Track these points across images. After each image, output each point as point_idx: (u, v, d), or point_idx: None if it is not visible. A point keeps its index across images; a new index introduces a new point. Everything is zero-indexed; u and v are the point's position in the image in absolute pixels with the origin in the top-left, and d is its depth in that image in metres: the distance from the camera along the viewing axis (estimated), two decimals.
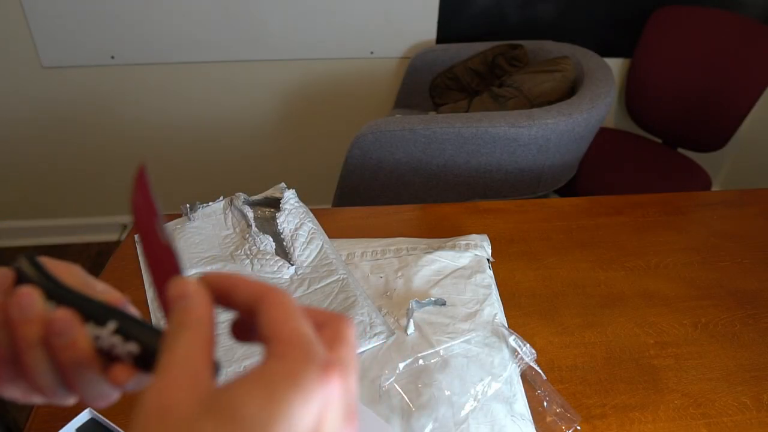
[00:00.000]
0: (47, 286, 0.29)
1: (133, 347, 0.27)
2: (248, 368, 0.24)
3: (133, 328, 0.27)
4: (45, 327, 0.27)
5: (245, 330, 0.28)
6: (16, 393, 0.30)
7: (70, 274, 0.31)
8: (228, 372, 0.66)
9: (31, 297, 0.28)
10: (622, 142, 1.96)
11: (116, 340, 0.27)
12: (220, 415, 0.21)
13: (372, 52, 1.88)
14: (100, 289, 0.31)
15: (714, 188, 2.12)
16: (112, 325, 0.27)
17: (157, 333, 0.27)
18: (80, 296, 0.29)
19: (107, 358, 0.28)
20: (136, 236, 0.88)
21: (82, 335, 0.27)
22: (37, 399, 0.30)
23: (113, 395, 0.29)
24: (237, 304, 0.27)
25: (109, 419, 0.60)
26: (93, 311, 0.28)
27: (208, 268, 0.80)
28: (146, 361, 0.27)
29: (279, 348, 0.24)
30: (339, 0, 1.75)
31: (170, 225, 0.89)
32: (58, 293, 0.29)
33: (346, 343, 0.26)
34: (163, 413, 0.21)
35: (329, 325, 0.27)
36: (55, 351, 0.27)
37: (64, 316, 0.27)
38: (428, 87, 1.82)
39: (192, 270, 0.80)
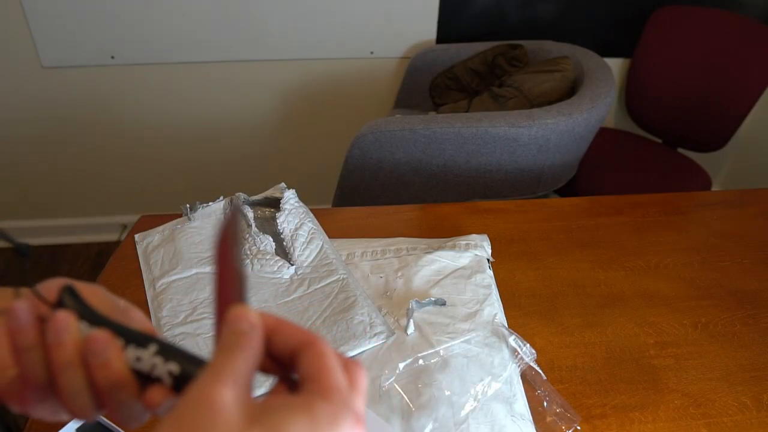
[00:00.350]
0: (86, 314, 0.31)
1: (173, 367, 0.28)
2: (289, 398, 0.26)
3: (172, 351, 0.29)
4: (81, 348, 0.29)
5: (266, 364, 0.31)
6: (45, 413, 0.31)
7: (95, 295, 0.32)
8: None
9: (66, 321, 0.30)
10: (622, 142, 1.96)
11: (158, 360, 0.29)
12: (266, 429, 0.24)
13: (372, 52, 1.88)
14: (122, 306, 0.33)
15: (714, 188, 2.12)
16: (153, 347, 0.29)
17: (194, 359, 0.29)
18: (120, 324, 0.31)
19: (143, 381, 0.29)
20: (136, 243, 0.88)
21: (117, 354, 0.29)
22: (65, 417, 0.32)
23: (144, 417, 0.31)
24: (279, 343, 0.29)
25: (109, 419, 0.60)
26: (134, 336, 0.30)
27: (208, 269, 0.80)
28: (183, 384, 0.28)
29: (325, 391, 0.27)
30: (339, 0, 1.76)
31: (170, 225, 0.89)
32: (98, 322, 0.30)
33: (361, 392, 0.29)
34: (214, 406, 0.24)
35: (347, 371, 0.29)
36: (91, 370, 0.29)
37: (101, 335, 0.29)
38: (428, 87, 1.82)
39: (192, 270, 0.80)
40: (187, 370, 0.28)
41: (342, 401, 0.26)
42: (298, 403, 0.26)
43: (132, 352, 0.29)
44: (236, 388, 0.25)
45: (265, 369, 0.30)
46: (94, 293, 0.32)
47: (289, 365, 0.29)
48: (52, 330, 0.29)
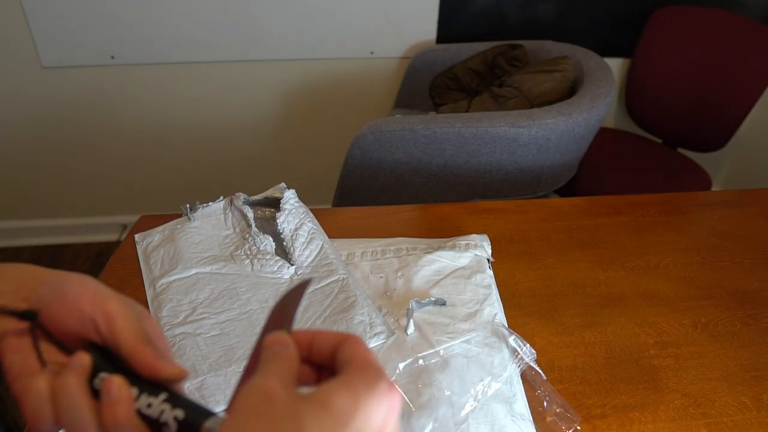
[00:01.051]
0: (106, 366, 0.35)
1: (179, 413, 0.32)
2: (330, 379, 0.30)
3: (180, 400, 0.33)
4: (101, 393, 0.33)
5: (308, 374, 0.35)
6: None
7: (122, 307, 0.37)
8: (228, 371, 0.66)
9: (83, 357, 0.34)
10: (622, 142, 1.96)
11: (166, 407, 0.32)
12: (315, 403, 0.28)
13: (372, 52, 1.88)
14: (138, 312, 0.37)
15: (714, 188, 2.12)
16: (163, 395, 0.33)
17: (200, 408, 0.32)
18: (137, 375, 0.35)
19: (155, 428, 0.33)
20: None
21: (126, 396, 0.33)
22: None
23: None
24: (318, 349, 0.34)
25: None
26: (147, 386, 0.34)
27: (208, 269, 0.80)
28: (186, 430, 0.32)
29: (360, 367, 0.31)
30: (339, 0, 1.76)
31: (170, 225, 0.89)
32: (117, 372, 0.35)
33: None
34: (267, 392, 0.28)
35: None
36: (104, 408, 0.32)
37: (115, 379, 0.33)
38: (428, 87, 1.82)
39: (192, 270, 0.80)
40: (192, 416, 0.32)
41: (375, 372, 0.30)
42: (338, 380, 0.30)
43: (144, 399, 0.33)
44: (282, 382, 0.29)
45: (307, 380, 0.34)
46: (119, 303, 0.36)
47: (330, 366, 0.33)
48: (69, 365, 0.34)
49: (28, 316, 0.36)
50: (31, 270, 0.39)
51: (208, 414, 0.32)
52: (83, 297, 0.36)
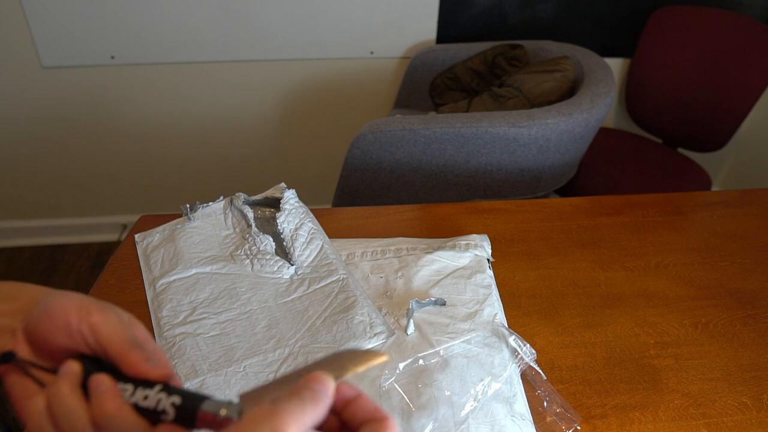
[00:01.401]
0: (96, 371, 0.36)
1: (176, 399, 0.33)
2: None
3: (176, 389, 0.34)
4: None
5: (333, 425, 0.35)
6: None
7: (104, 315, 0.37)
8: (228, 371, 0.66)
9: (71, 364, 0.35)
10: (622, 142, 1.96)
11: (162, 395, 0.33)
12: None
13: (372, 52, 1.88)
14: (126, 320, 0.38)
15: (714, 188, 2.13)
16: (159, 386, 0.34)
17: (196, 394, 0.33)
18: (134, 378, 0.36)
19: (153, 420, 0.33)
20: None
21: (111, 387, 0.34)
22: None
23: None
24: (353, 411, 0.33)
25: None
26: (143, 381, 0.35)
27: (208, 269, 0.80)
28: (184, 415, 0.33)
29: None
30: (339, 0, 1.76)
31: (170, 225, 0.89)
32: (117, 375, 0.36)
33: None
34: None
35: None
36: (93, 404, 0.33)
37: (101, 376, 0.34)
38: (428, 87, 1.82)
39: (192, 270, 0.80)
40: (188, 401, 0.33)
41: None
42: None
43: (141, 392, 0.34)
44: (298, 425, 0.29)
45: (327, 427, 0.34)
46: (102, 312, 0.37)
47: (352, 428, 0.33)
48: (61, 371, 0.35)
49: (6, 359, 0.36)
50: (26, 289, 0.40)
51: (203, 398, 0.33)
52: (68, 312, 0.37)
